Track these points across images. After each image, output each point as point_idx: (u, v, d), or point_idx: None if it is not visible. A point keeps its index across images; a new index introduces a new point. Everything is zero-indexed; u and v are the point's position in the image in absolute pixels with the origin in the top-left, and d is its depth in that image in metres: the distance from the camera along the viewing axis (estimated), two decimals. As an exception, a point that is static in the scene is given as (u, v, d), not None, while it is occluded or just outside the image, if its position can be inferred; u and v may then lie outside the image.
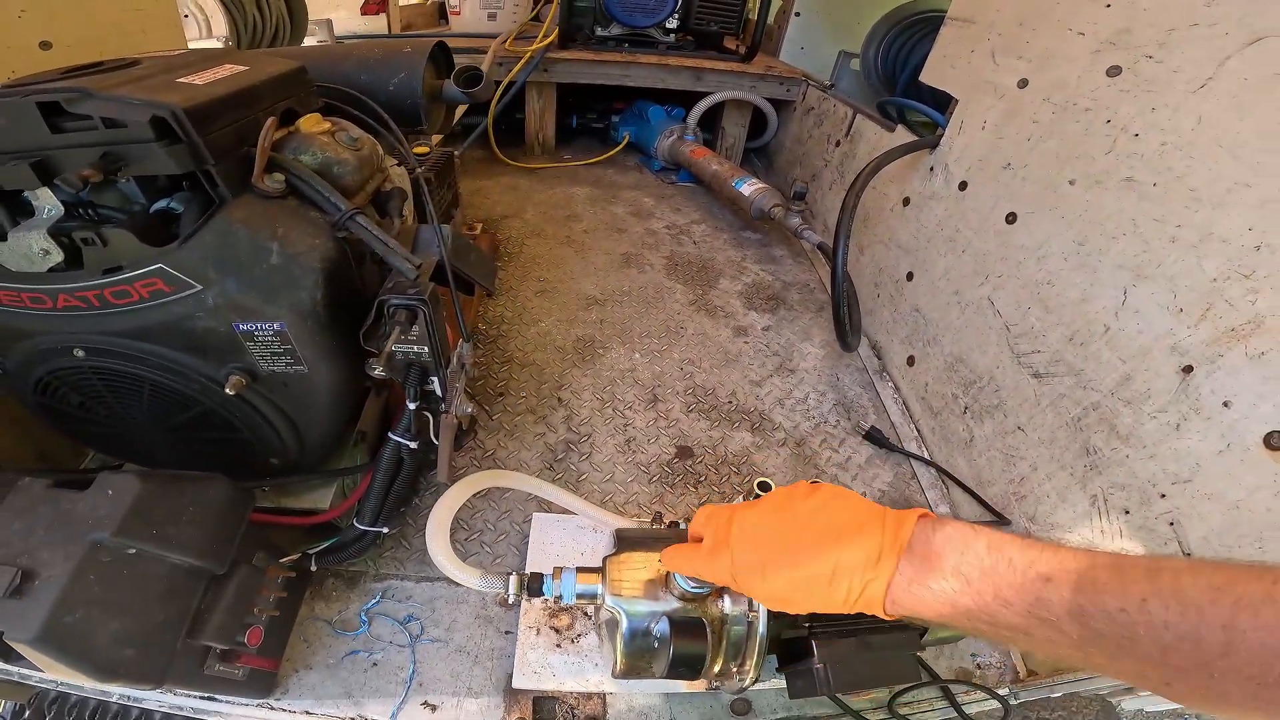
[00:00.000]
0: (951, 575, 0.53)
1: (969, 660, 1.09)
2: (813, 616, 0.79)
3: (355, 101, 1.05)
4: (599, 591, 0.77)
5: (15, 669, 0.98)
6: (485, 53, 2.27)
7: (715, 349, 1.69)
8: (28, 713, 1.06)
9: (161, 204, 0.79)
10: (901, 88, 2.17)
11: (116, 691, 0.98)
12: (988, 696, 1.03)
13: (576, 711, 0.96)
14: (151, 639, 0.73)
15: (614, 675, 0.78)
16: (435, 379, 0.93)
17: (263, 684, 0.93)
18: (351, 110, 1.03)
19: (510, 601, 0.79)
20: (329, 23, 2.57)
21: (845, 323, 1.56)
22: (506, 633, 1.03)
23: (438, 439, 0.97)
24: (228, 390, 0.81)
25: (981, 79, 1.37)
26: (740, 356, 1.68)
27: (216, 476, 0.84)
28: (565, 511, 1.19)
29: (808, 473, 1.37)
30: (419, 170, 1.01)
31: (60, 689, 1.01)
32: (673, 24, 2.56)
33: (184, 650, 0.77)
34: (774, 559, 0.61)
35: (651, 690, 0.98)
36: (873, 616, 0.60)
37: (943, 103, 1.54)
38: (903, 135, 1.73)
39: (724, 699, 1.00)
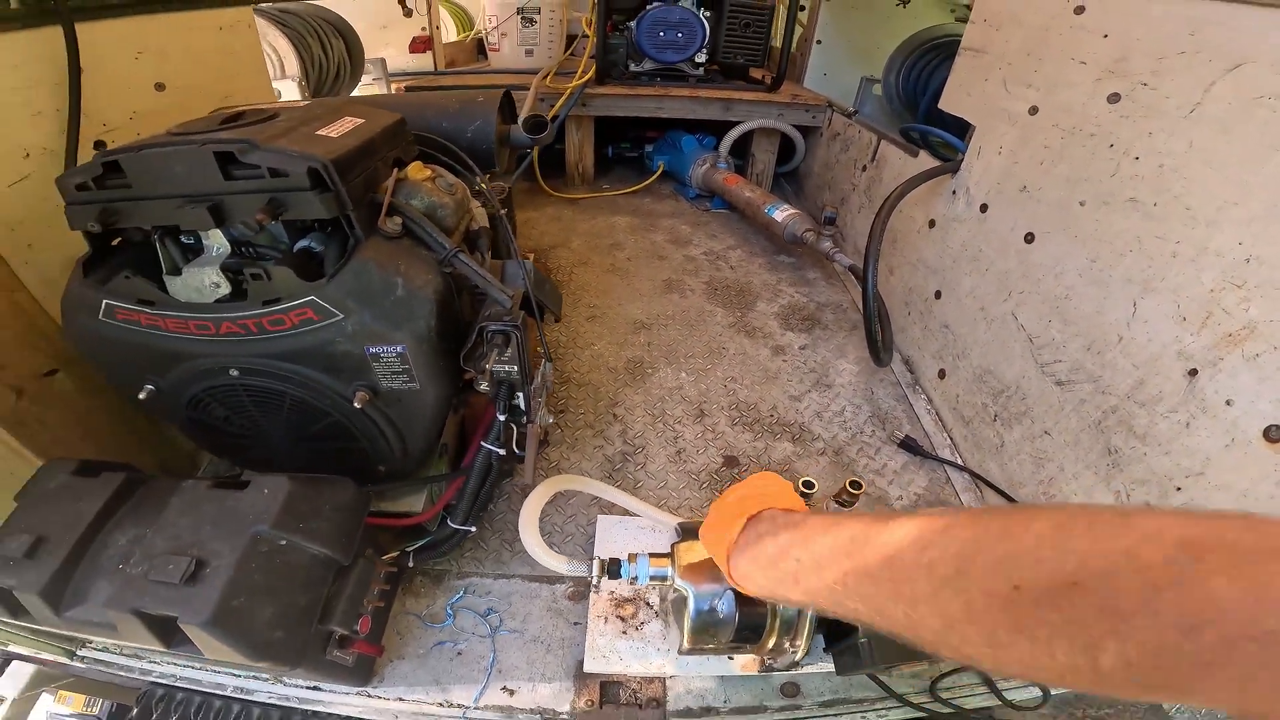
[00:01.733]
0: (751, 559, 0.69)
1: (1008, 648, 1.18)
2: None
3: (440, 148, 1.22)
4: (669, 573, 0.88)
5: (138, 666, 1.12)
6: (527, 89, 2.48)
7: (756, 367, 1.82)
8: (134, 711, 1.19)
9: (303, 243, 0.96)
10: (923, 112, 2.30)
11: (230, 684, 1.10)
12: (1027, 683, 1.13)
13: (639, 694, 1.07)
14: (295, 623, 0.86)
15: (680, 651, 0.89)
16: (521, 394, 1.08)
17: (365, 670, 1.06)
18: (441, 157, 1.20)
19: (593, 583, 0.91)
20: (383, 61, 2.81)
21: (878, 340, 1.68)
22: (575, 624, 1.16)
23: (520, 448, 1.12)
24: (355, 404, 0.96)
25: (996, 106, 1.47)
26: (779, 374, 1.81)
27: (343, 479, 0.99)
28: (626, 513, 1.33)
29: (846, 479, 1.48)
30: (502, 211, 1.17)
31: (171, 684, 1.14)
32: (701, 58, 2.74)
33: (314, 635, 0.90)
34: (705, 530, 0.80)
35: (708, 673, 1.09)
36: None
37: (962, 128, 1.66)
38: (926, 160, 1.84)
39: (774, 682, 1.10)
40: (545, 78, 2.63)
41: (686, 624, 0.85)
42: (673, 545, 0.91)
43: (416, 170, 1.05)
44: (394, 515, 1.19)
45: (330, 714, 1.07)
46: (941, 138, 1.85)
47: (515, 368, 1.03)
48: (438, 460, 1.31)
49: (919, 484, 1.50)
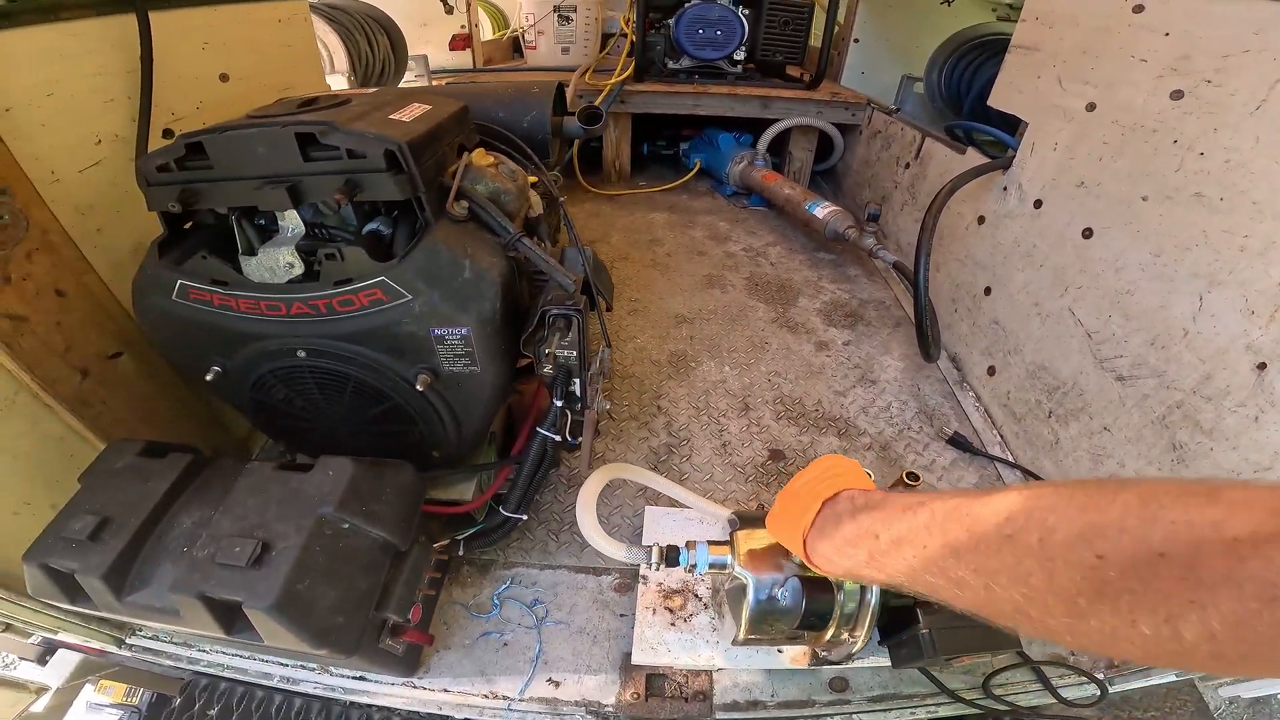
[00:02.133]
0: (830, 541, 0.68)
1: (1066, 645, 1.15)
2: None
3: (501, 137, 1.23)
4: (729, 561, 0.87)
5: (186, 655, 1.12)
6: (566, 86, 2.49)
7: (799, 362, 1.81)
8: (177, 700, 1.19)
9: (371, 225, 0.97)
10: (968, 110, 2.27)
11: (277, 674, 1.11)
12: (1084, 680, 1.10)
13: (685, 687, 1.06)
14: (355, 608, 0.85)
15: (735, 642, 0.88)
16: (578, 380, 1.08)
17: (414, 660, 1.05)
18: (501, 146, 1.21)
19: (652, 567, 0.90)
20: (425, 58, 2.86)
21: (929, 335, 1.66)
22: (621, 615, 1.15)
23: (574, 436, 1.12)
24: (417, 386, 0.97)
25: (1049, 103, 1.46)
26: (823, 369, 1.79)
27: (403, 463, 1.00)
28: (673, 505, 1.32)
29: (894, 474, 1.46)
30: (562, 199, 1.18)
31: (215, 674, 1.14)
32: (740, 55, 2.73)
33: (370, 622, 0.90)
34: (774, 517, 0.80)
35: (755, 666, 1.08)
36: None
37: (1011, 125, 1.64)
38: (974, 157, 1.82)
39: (823, 676, 1.08)
40: (584, 75, 2.65)
41: (745, 613, 0.84)
42: (732, 533, 0.91)
43: (481, 156, 1.06)
44: (444, 503, 1.20)
45: (371, 705, 1.07)
46: (990, 134, 1.83)
47: (574, 353, 1.03)
48: (486, 448, 1.32)
49: (968, 480, 1.47)
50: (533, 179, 1.18)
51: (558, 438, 1.10)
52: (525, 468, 1.11)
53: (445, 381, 1.02)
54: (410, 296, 0.90)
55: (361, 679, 1.08)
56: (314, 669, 1.10)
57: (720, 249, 2.40)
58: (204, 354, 1.02)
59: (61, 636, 1.10)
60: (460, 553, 1.17)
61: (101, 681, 1.20)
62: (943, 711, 1.08)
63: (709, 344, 1.87)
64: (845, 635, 0.86)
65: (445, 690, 1.05)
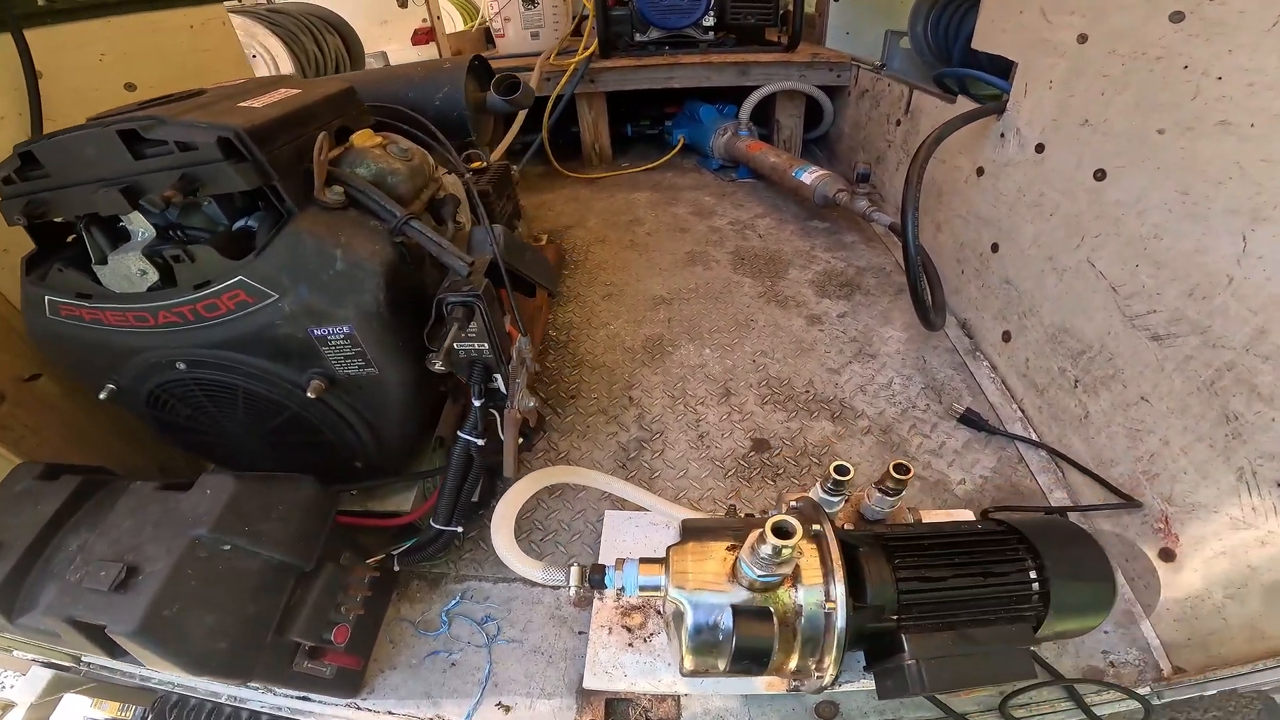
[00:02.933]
0: None
1: (1099, 658, 0.98)
2: (902, 608, 0.74)
3: (403, 117, 1.12)
4: (662, 583, 0.74)
5: (138, 673, 1.08)
6: (532, 69, 2.38)
7: (788, 339, 1.65)
8: (149, 716, 1.15)
9: (241, 223, 0.88)
10: (959, 59, 2.06)
11: (225, 693, 1.05)
12: (1123, 697, 0.92)
13: (650, 714, 0.94)
14: (243, 633, 0.78)
15: (681, 673, 0.74)
16: (498, 375, 0.96)
17: (349, 682, 0.97)
18: (401, 126, 1.10)
19: (572, 596, 0.78)
20: (384, 55, 2.80)
21: (925, 300, 1.47)
22: (580, 633, 1.04)
23: (503, 436, 1.00)
24: (309, 394, 0.87)
25: (1036, 38, 1.30)
26: (815, 345, 1.62)
27: (303, 477, 0.90)
28: (638, 509, 1.19)
29: (894, 460, 1.30)
30: (467, 174, 1.06)
31: (179, 691, 1.09)
32: (709, 21, 2.58)
33: (274, 646, 0.83)
34: None
35: (728, 691, 0.94)
36: (974, 605, 0.55)
37: (1004, 68, 1.45)
38: (965, 105, 1.65)
39: (807, 701, 0.94)
40: (548, 57, 2.54)
41: (684, 642, 0.71)
42: (668, 549, 0.77)
43: (364, 138, 0.95)
44: (380, 515, 1.10)
45: None
46: (980, 79, 1.63)
47: (485, 345, 0.91)
48: (433, 453, 1.21)
49: (985, 465, 1.29)
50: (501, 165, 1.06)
51: (481, 441, 0.98)
52: (449, 476, 1.00)
53: (344, 386, 0.92)
54: (276, 295, 0.80)
55: (305, 699, 1.00)
56: (258, 689, 1.03)
57: (704, 224, 2.25)
58: (94, 371, 0.95)
59: (19, 654, 1.08)
60: (396, 568, 1.07)
61: (96, 699, 1.18)
62: (951, 739, 0.92)
63: (688, 325, 1.72)
64: (811, 666, 0.72)
65: (389, 713, 0.98)
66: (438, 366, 0.83)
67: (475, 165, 1.65)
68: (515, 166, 1.85)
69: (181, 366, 0.88)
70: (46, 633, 0.78)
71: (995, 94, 1.55)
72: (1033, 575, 0.76)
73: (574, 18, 2.85)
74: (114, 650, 0.77)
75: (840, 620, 0.68)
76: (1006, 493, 1.23)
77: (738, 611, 0.68)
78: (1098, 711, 0.91)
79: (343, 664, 0.95)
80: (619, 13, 2.52)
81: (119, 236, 0.85)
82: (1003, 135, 1.44)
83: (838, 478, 0.86)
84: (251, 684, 1.02)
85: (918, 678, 0.71)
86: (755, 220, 2.25)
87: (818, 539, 0.75)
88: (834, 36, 2.87)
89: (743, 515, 0.99)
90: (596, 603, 1.05)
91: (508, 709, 0.96)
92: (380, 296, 0.84)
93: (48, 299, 0.86)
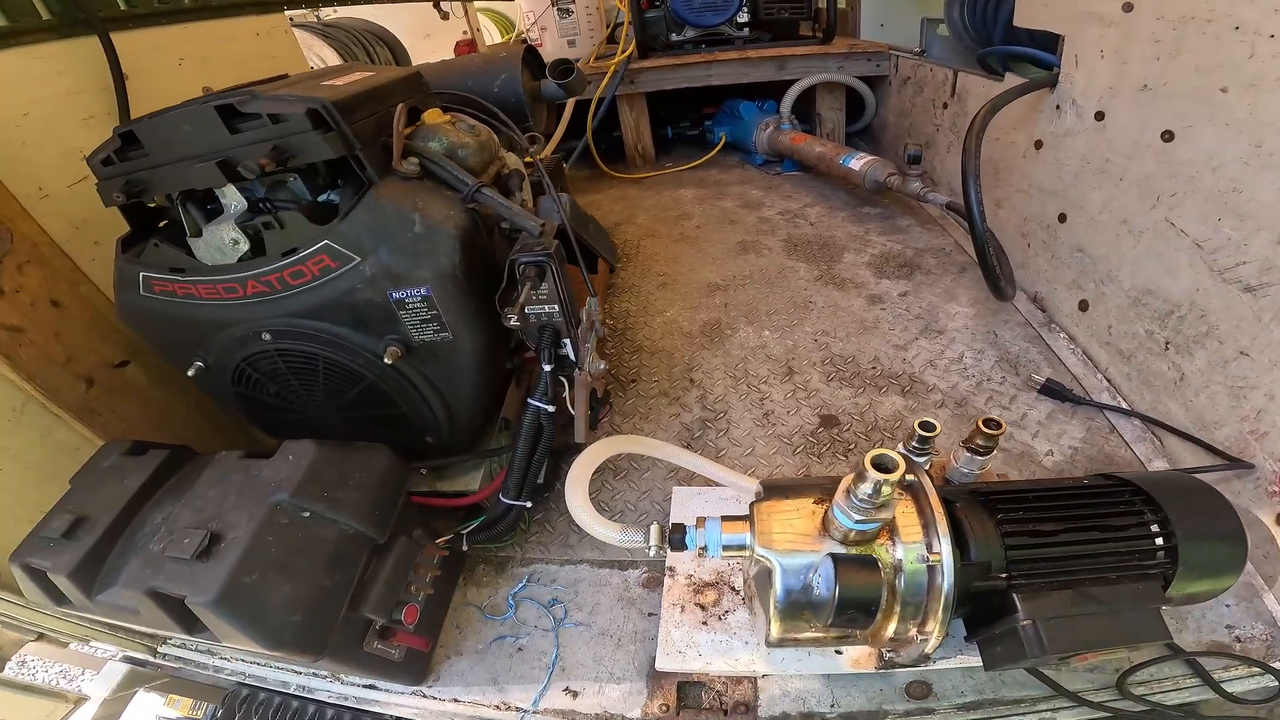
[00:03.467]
0: None
1: (1223, 632, 0.90)
2: (1011, 564, 0.68)
3: (467, 100, 1.15)
4: (747, 541, 0.70)
5: (211, 663, 1.08)
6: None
7: (849, 318, 1.61)
8: (220, 713, 1.15)
9: (324, 196, 0.90)
10: (1001, 39, 2.03)
11: (294, 683, 1.04)
12: (1252, 672, 0.84)
13: (724, 698, 0.89)
14: (318, 605, 0.77)
15: (768, 643, 0.70)
16: (568, 341, 0.96)
17: (418, 666, 0.95)
18: (466, 110, 1.13)
19: (649, 554, 0.75)
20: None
21: (996, 270, 1.42)
22: (650, 615, 1.00)
23: (573, 404, 0.99)
24: (386, 360, 0.88)
25: (1080, 10, 1.31)
26: (878, 323, 1.58)
27: (379, 446, 0.91)
28: (707, 484, 1.16)
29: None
30: (531, 150, 1.08)
31: (249, 684, 1.08)
32: (743, 18, 2.60)
33: (346, 622, 0.81)
34: None
35: (811, 671, 0.89)
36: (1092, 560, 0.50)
37: (1049, 43, 1.44)
38: (1013, 81, 1.63)
39: (897, 681, 0.87)
40: (587, 62, 2.60)
41: (773, 605, 0.67)
42: (752, 505, 0.73)
43: (434, 115, 0.98)
44: (449, 495, 1.10)
45: (384, 715, 0.98)
46: (1026, 55, 1.60)
47: (555, 307, 0.91)
48: (498, 434, 1.21)
49: (1073, 435, 1.22)
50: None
51: (551, 408, 0.97)
52: (519, 446, 0.99)
53: (419, 354, 0.93)
54: (358, 259, 0.83)
55: (372, 688, 0.98)
56: (326, 677, 1.02)
57: (754, 215, 2.23)
58: (183, 348, 0.99)
59: (97, 644, 1.09)
60: (465, 548, 1.06)
61: (169, 696, 1.19)
62: (1061, 718, 0.85)
63: (745, 309, 1.71)
64: (912, 631, 0.66)
65: (455, 700, 0.95)
66: (513, 321, 0.84)
67: (526, 159, 1.69)
68: (566, 163, 1.89)
69: (267, 337, 0.91)
70: (126, 609, 0.78)
71: (1043, 66, 1.53)
72: (1155, 529, 0.70)
73: (608, 25, 2.92)
74: (192, 625, 0.76)
75: (947, 577, 0.62)
76: (1100, 463, 1.16)
77: (839, 560, 0.63)
78: (1229, 688, 0.83)
79: (411, 645, 0.94)
80: (654, 14, 2.56)
81: (212, 211, 0.89)
82: (1058, 107, 1.42)
83: (923, 434, 0.81)
84: (319, 671, 1.01)
85: (1035, 639, 0.64)
86: (805, 209, 2.23)
87: (913, 490, 0.70)
88: (868, 28, 2.87)
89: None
90: (668, 580, 1.02)
91: (575, 694, 0.92)
92: (456, 259, 0.86)
93: (142, 275, 0.90)
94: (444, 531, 1.07)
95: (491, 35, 3.95)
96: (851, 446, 1.25)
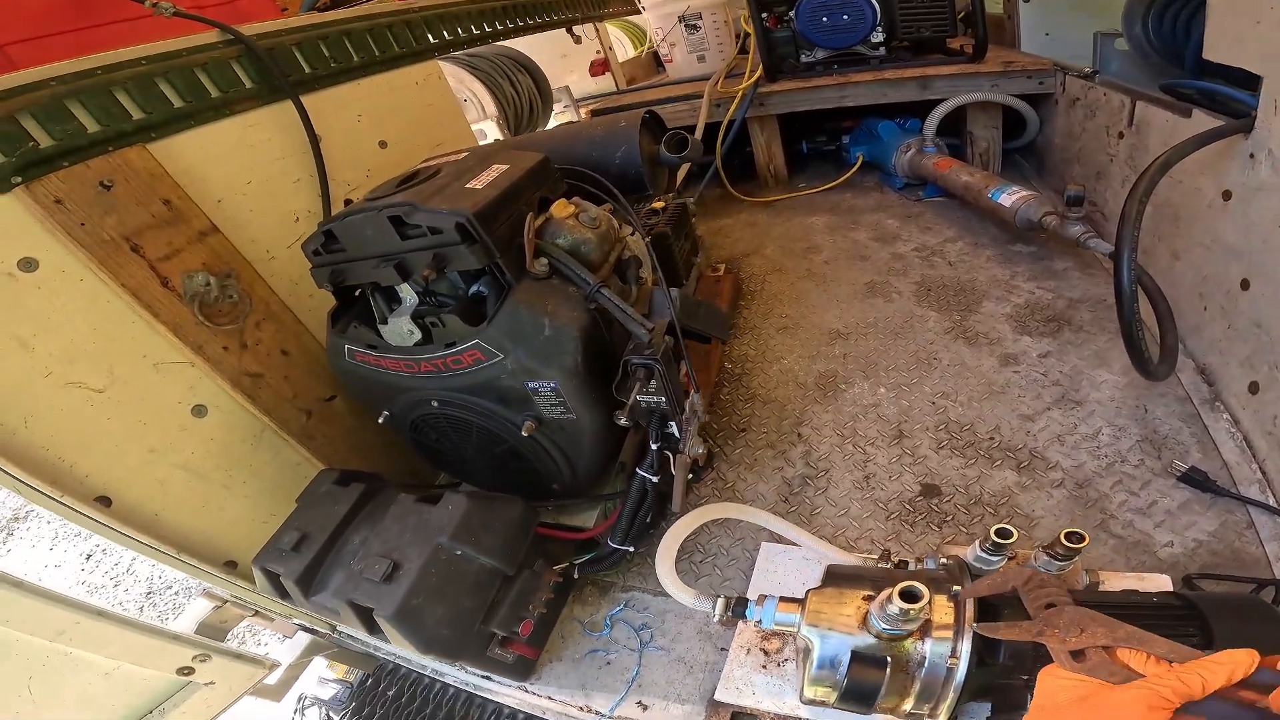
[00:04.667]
0: None
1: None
2: (1032, 665, 0.74)
3: (591, 180, 1.30)
4: (796, 621, 0.84)
5: (372, 642, 1.39)
6: (701, 98, 2.51)
7: (976, 380, 1.58)
8: (369, 679, 1.46)
9: (475, 288, 1.11)
10: (1192, 65, 1.74)
11: (430, 665, 1.32)
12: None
13: None
14: (460, 623, 1.00)
15: (800, 699, 0.85)
16: (674, 423, 1.09)
17: (524, 669, 1.19)
18: (589, 189, 1.27)
19: (714, 620, 0.90)
20: (567, 88, 3.10)
21: (1141, 344, 1.32)
22: (722, 649, 1.14)
23: (675, 473, 1.13)
24: (524, 432, 1.09)
25: None
26: (1008, 388, 1.53)
27: (515, 499, 1.12)
28: (793, 543, 1.26)
29: (1090, 518, 1.20)
30: (648, 239, 1.21)
31: (395, 661, 1.38)
32: (879, 37, 2.44)
33: (477, 634, 1.05)
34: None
35: None
36: None
37: (1245, 80, 1.26)
38: (1202, 120, 1.42)
39: None
40: (716, 84, 2.61)
41: (807, 673, 0.82)
42: (808, 592, 0.87)
43: (560, 209, 1.14)
44: (567, 529, 1.31)
45: (490, 701, 1.24)
46: (1220, 93, 1.38)
47: (663, 399, 1.05)
48: (615, 477, 1.39)
49: (1203, 529, 1.15)
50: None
51: (655, 478, 1.13)
52: (627, 505, 1.16)
53: (549, 426, 1.13)
54: (501, 355, 1.02)
55: (488, 679, 1.24)
56: (453, 664, 1.28)
57: (886, 251, 2.18)
58: (375, 401, 1.26)
59: (298, 621, 1.44)
60: (575, 576, 1.27)
61: (331, 661, 1.55)
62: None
63: (864, 362, 1.72)
64: (924, 712, 0.79)
65: (550, 698, 1.17)
66: (623, 421, 0.99)
67: (655, 205, 1.81)
68: (691, 201, 1.99)
69: (435, 404, 1.16)
70: (330, 610, 1.05)
71: (1242, 105, 1.33)
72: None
73: (738, 37, 2.90)
74: (373, 629, 1.01)
75: (960, 676, 0.74)
76: (1223, 559, 1.09)
77: (855, 655, 0.77)
78: None
79: (522, 653, 1.17)
80: (780, 34, 2.49)
81: (393, 298, 1.13)
82: (1252, 155, 1.25)
83: (998, 540, 0.88)
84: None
85: None
86: (945, 245, 2.13)
87: (955, 601, 0.80)
88: (1030, 39, 2.55)
89: (896, 561, 1.04)
90: (740, 624, 1.15)
91: (645, 708, 1.10)
92: (578, 358, 1.03)
93: (346, 347, 1.18)
94: (561, 558, 1.28)
95: (624, 48, 4.05)
96: (948, 518, 1.27)
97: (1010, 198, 1.85)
